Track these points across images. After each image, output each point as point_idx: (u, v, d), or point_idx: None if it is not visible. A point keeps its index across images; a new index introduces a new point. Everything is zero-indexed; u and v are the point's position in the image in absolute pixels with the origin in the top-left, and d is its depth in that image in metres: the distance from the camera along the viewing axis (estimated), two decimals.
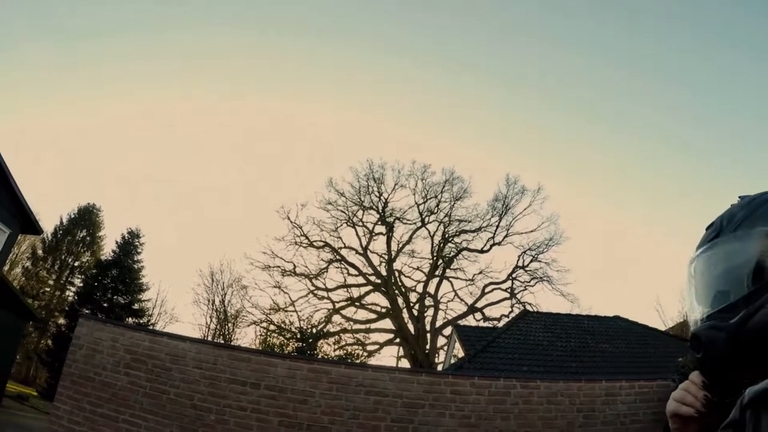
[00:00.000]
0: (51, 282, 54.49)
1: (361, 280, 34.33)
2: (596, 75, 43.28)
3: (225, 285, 39.79)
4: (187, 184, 55.70)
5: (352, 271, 34.34)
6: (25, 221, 23.31)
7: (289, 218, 33.76)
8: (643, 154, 46.64)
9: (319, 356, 24.30)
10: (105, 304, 37.91)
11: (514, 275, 34.34)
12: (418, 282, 34.98)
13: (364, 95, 46.77)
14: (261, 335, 31.54)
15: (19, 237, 25.67)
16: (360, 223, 35.54)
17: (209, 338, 35.38)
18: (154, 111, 56.91)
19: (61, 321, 43.01)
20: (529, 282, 34.06)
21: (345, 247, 34.94)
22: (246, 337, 40.50)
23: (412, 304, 33.79)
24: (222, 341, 34.43)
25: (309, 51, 45.01)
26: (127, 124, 58.29)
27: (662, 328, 26.29)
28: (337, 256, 34.41)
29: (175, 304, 73.96)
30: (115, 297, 39.25)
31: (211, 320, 39.14)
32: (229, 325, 37.69)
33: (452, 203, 35.88)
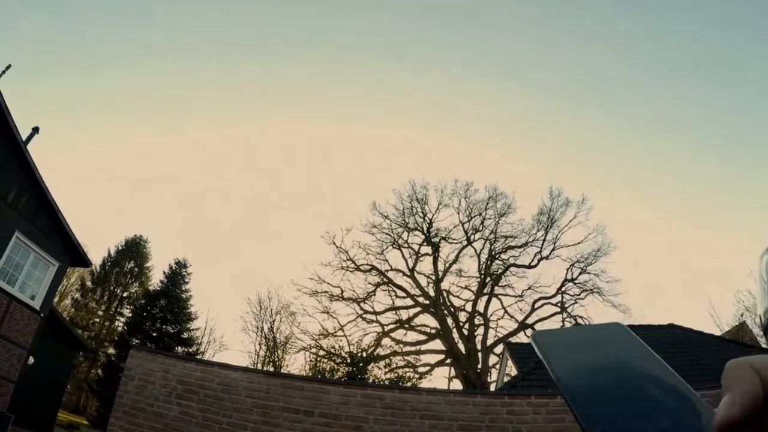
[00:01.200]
0: (100, 313, 55.28)
1: (409, 301, 34.10)
2: (642, 77, 42.63)
3: (273, 312, 39.89)
4: (234, 213, 56.15)
5: (400, 293, 34.15)
6: (73, 254, 23.61)
7: (334, 243, 33.76)
8: (696, 155, 45.72)
9: (371, 380, 24.06)
10: (154, 334, 38.22)
11: (563, 289, 33.83)
12: (467, 301, 34.66)
13: (403, 114, 46.68)
14: (311, 361, 31.46)
15: (68, 269, 26.00)
16: (405, 245, 35.36)
17: (258, 365, 35.37)
18: (192, 137, 57.65)
19: (111, 351, 43.52)
20: (579, 295, 33.54)
21: (392, 269, 34.77)
22: (296, 363, 40.46)
23: (461, 324, 33.41)
24: (272, 368, 34.36)
25: (341, 69, 45.11)
26: (172, 152, 59.10)
27: (718, 333, 25.56)
28: (384, 279, 34.23)
29: (224, 333, 74.48)
30: (164, 326, 39.57)
31: (260, 347, 39.20)
32: (279, 351, 37.68)
33: (497, 220, 35.53)
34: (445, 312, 33.43)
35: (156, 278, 51.29)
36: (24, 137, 20.43)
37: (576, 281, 34.08)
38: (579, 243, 34.83)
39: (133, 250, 59.26)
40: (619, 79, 41.96)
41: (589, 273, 33.91)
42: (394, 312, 33.88)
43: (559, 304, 33.60)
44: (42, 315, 22.15)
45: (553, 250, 35.13)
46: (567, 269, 34.65)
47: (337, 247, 33.64)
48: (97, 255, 56.34)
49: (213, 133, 55.00)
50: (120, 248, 59.15)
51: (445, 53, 44.27)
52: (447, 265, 35.21)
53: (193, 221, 61.84)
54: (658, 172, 45.08)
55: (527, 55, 42.76)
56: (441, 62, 44.94)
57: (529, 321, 33.35)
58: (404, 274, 34.63)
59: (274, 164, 50.07)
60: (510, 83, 43.42)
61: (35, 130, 20.98)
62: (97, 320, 54.79)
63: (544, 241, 35.29)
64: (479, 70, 44.20)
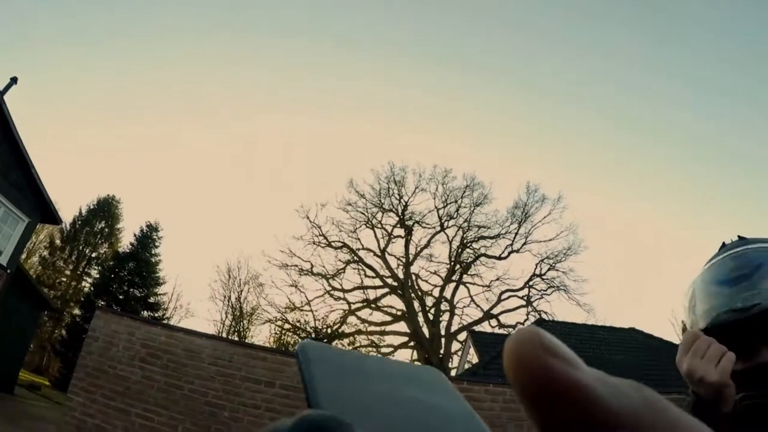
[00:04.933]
0: (68, 272, 54.79)
1: (377, 282, 34.22)
2: (630, 82, 42.95)
3: (242, 282, 39.90)
4: (209, 178, 55.82)
5: (369, 272, 34.24)
6: (44, 211, 23.36)
7: (308, 217, 33.68)
8: (673, 163, 46.24)
9: None
10: (121, 297, 38.09)
11: (531, 283, 34.11)
12: (435, 286, 34.87)
13: (388, 98, 46.65)
14: (276, 333, 31.57)
15: (37, 226, 25.76)
16: (379, 225, 35.41)
17: (224, 335, 35.39)
18: (176, 104, 57.24)
19: (77, 312, 43.21)
20: (546, 291, 33.82)
21: (363, 248, 34.83)
22: (260, 334, 40.60)
23: (427, 308, 33.66)
24: (236, 338, 34.43)
25: (333, 54, 44.99)
26: (150, 116, 58.65)
27: (677, 342, 25.95)
28: (355, 257, 34.29)
29: (191, 300, 74.14)
30: (131, 290, 39.44)
31: (227, 317, 39.25)
32: (245, 322, 37.79)
33: (472, 209, 35.69)
34: (413, 295, 33.63)
35: (126, 240, 50.90)
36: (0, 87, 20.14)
37: (544, 277, 34.41)
38: (551, 240, 35.13)
39: (105, 210, 58.63)
40: (620, 83, 42.23)
41: (557, 270, 34.23)
42: (362, 291, 33.98)
43: (525, 298, 33.93)
44: (8, 271, 21.93)
45: (524, 244, 35.42)
46: (536, 264, 34.96)
47: (310, 221, 33.57)
48: (68, 213, 55.76)
49: (197, 105, 54.65)
50: (92, 207, 58.47)
51: (445, 48, 44.30)
52: (418, 249, 35.37)
53: (168, 185, 61.45)
54: (640, 176, 45.55)
55: (517, 54, 42.91)
56: (437, 59, 44.96)
57: (495, 311, 33.66)
58: (375, 254, 34.73)
59: (254, 135, 49.77)
60: (500, 78, 43.53)
61: (13, 80, 20.55)
62: (64, 279, 54.30)
63: (516, 234, 35.56)
64: (470, 66, 44.28)
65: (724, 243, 1.58)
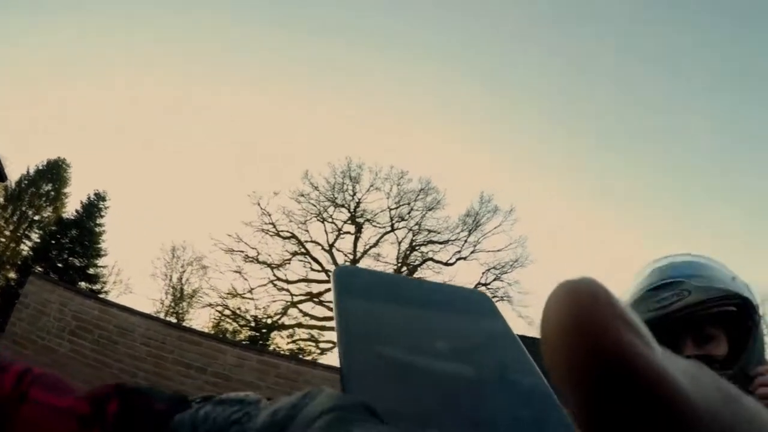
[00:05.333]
0: (7, 233, 53.30)
1: (323, 276, 34.00)
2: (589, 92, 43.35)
3: (185, 263, 39.25)
4: (164, 153, 54.82)
5: (315, 266, 33.99)
6: None
7: (259, 204, 33.21)
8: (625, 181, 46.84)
9: (272, 348, 23.94)
10: (60, 264, 37.22)
11: None
12: None
13: (354, 93, 46.37)
14: (215, 319, 31.13)
15: None
16: (330, 219, 35.18)
17: (162, 315, 34.78)
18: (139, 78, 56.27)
19: (12, 275, 42.08)
20: None
21: (311, 241, 34.57)
22: (199, 318, 40.00)
23: None
24: (174, 320, 33.93)
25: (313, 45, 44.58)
26: (111, 84, 57.47)
27: None
28: (302, 249, 34.04)
29: (132, 276, 72.79)
30: (71, 258, 38.55)
31: (166, 297, 38.59)
32: (184, 304, 37.19)
33: (424, 212, 35.67)
34: None
35: (72, 206, 49.61)
36: None
37: (489, 286, 34.50)
38: (499, 250, 35.23)
39: (53, 172, 57.12)
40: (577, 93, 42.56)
41: (502, 281, 34.34)
42: (306, 284, 33.72)
43: None
44: None
45: (472, 252, 35.49)
46: (483, 273, 35.02)
47: (261, 208, 33.11)
48: (15, 172, 54.35)
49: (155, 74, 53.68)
50: (40, 168, 57.06)
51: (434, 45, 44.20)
52: (367, 247, 35.26)
53: (121, 155, 60.16)
54: (597, 192, 46.00)
55: (493, 61, 43.00)
56: (411, 58, 44.85)
57: None
58: (323, 248, 34.50)
59: (216, 115, 49.01)
60: (470, 87, 43.56)
61: None
62: (3, 240, 52.94)
63: (465, 242, 35.61)
64: (441, 70, 44.26)
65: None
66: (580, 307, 0.17)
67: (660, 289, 1.56)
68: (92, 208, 41.10)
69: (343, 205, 35.17)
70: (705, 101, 35.44)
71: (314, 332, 32.44)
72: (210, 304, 31.92)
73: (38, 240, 46.40)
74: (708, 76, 35.20)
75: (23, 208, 54.69)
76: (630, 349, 0.16)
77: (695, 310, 1.48)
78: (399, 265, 34.82)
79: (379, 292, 0.38)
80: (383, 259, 35.00)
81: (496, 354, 0.38)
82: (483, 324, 0.41)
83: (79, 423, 0.36)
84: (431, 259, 35.18)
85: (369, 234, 36.43)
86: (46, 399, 0.39)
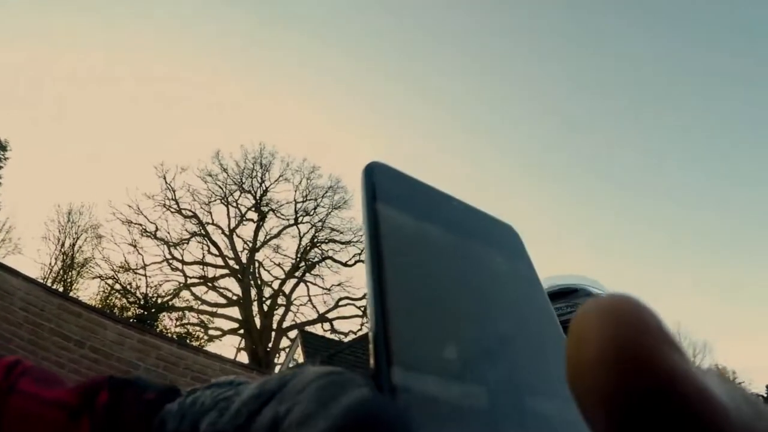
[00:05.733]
0: None
1: (219, 261, 33.53)
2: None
3: (80, 229, 37.96)
4: (74, 109, 52.82)
5: (213, 250, 33.49)
6: None
7: (165, 178, 32.48)
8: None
9: (159, 329, 23.46)
10: None
11: None
12: (276, 278, 34.48)
13: (278, 79, 45.95)
14: (104, 292, 30.29)
15: None
16: (234, 204, 34.71)
17: (49, 282, 33.57)
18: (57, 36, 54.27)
19: None
20: None
21: (212, 223, 34.03)
22: (88, 290, 38.62)
23: (264, 299, 33.30)
24: (62, 288, 32.82)
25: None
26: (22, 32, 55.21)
27: None
28: (202, 231, 33.47)
29: (23, 235, 69.89)
30: None
31: (56, 263, 37.26)
32: (74, 272, 35.98)
33: (330, 210, 35.62)
34: (252, 283, 33.22)
35: None
36: None
37: None
38: None
39: None
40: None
41: None
42: (202, 267, 33.21)
43: (362, 308, 34.23)
44: None
45: None
46: None
47: (166, 182, 32.34)
48: None
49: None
50: None
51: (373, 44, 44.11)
52: (267, 237, 34.97)
53: (26, 104, 57.78)
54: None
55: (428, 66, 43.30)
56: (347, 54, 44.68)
57: (330, 315, 33.68)
58: (224, 232, 34.04)
59: (138, 77, 47.61)
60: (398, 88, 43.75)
61: None
62: None
63: None
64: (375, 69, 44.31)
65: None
66: (628, 329, 0.16)
67: (555, 298, 1.50)
68: None
69: (249, 192, 34.77)
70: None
71: (205, 318, 31.98)
72: (100, 276, 30.98)
73: None
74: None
75: None
76: (680, 375, 0.16)
77: None
78: (297, 259, 34.70)
79: (413, 202, 0.35)
80: (282, 252, 34.79)
81: (523, 303, 0.37)
82: (514, 264, 0.38)
83: (68, 414, 0.37)
84: (331, 257, 35.19)
85: (272, 224, 36.14)
86: (35, 390, 0.39)
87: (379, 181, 0.34)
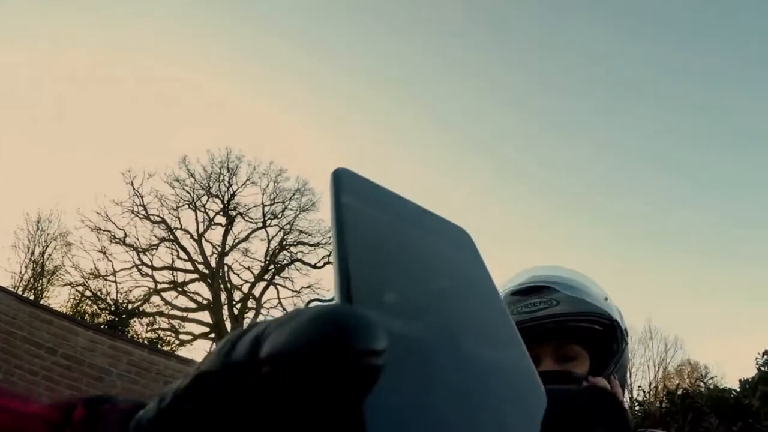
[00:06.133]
0: None
1: (189, 266, 33.50)
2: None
3: (49, 237, 37.64)
4: (44, 115, 52.34)
5: (182, 254, 33.43)
6: None
7: (132, 184, 32.36)
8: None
9: (130, 335, 23.48)
10: None
11: None
12: (246, 282, 34.48)
13: (243, 83, 45.92)
14: (74, 299, 30.14)
15: None
16: (202, 209, 34.62)
17: (20, 290, 33.30)
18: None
19: None
20: None
21: (181, 228, 33.94)
22: (59, 297, 38.29)
23: (234, 303, 33.32)
24: (32, 297, 32.58)
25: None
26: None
27: None
28: (171, 236, 33.38)
29: None
30: None
31: (26, 271, 36.94)
32: (44, 280, 35.72)
33: (298, 213, 35.65)
34: (222, 287, 33.25)
35: None
36: None
37: None
38: None
39: None
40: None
41: None
42: (171, 272, 33.15)
43: None
44: None
45: None
46: None
47: (133, 188, 32.20)
48: None
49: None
50: None
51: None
52: (236, 241, 34.96)
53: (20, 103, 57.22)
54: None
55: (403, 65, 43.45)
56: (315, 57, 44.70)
57: None
58: (192, 237, 33.97)
59: (100, 82, 47.23)
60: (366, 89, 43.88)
61: None
62: None
63: None
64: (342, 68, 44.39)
65: None
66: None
67: (529, 294, 1.49)
68: None
69: (217, 196, 34.70)
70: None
71: (175, 323, 31.95)
72: (71, 284, 30.80)
73: None
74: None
75: None
76: None
77: (562, 321, 1.42)
78: (267, 262, 34.75)
79: (376, 205, 0.39)
80: (252, 255, 34.80)
81: (472, 288, 0.41)
82: (466, 261, 0.44)
83: (48, 427, 0.39)
84: (300, 260, 35.25)
85: (240, 228, 36.08)
86: (13, 406, 0.41)
87: (346, 186, 0.37)
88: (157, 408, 0.35)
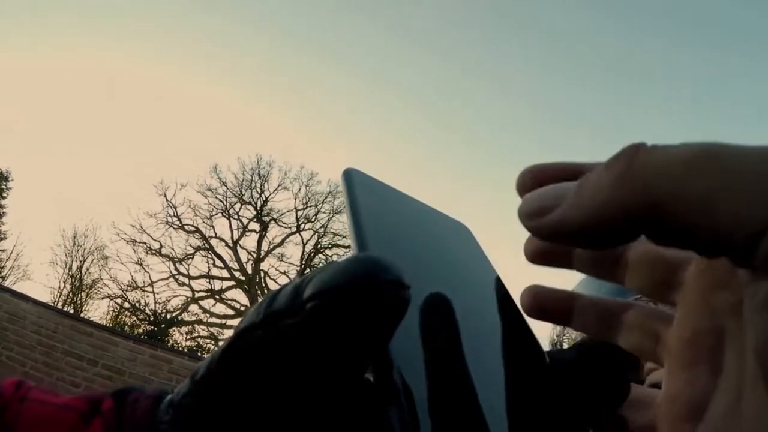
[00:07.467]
0: None
1: (225, 273, 33.71)
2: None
3: (86, 251, 38.15)
4: (74, 134, 53.12)
5: (218, 262, 33.64)
6: None
7: (165, 196, 32.66)
8: None
9: (170, 344, 23.70)
10: None
11: None
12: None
13: (272, 90, 46.12)
14: (114, 311, 30.50)
15: None
16: (236, 216, 34.80)
17: (60, 305, 33.75)
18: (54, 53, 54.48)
19: None
20: None
21: (215, 237, 34.16)
22: (98, 310, 38.66)
23: None
24: (72, 310, 33.05)
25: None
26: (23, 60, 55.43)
27: None
28: (206, 245, 33.61)
29: (31, 261, 69.91)
30: None
31: (65, 286, 37.43)
32: (83, 294, 36.19)
33: (331, 216, 35.71)
34: (259, 292, 33.39)
35: None
36: None
37: None
38: None
39: None
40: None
41: None
42: (208, 280, 33.34)
43: None
44: None
45: None
46: None
47: (167, 200, 32.47)
48: None
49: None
50: None
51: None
52: (271, 246, 35.10)
53: (29, 133, 58.07)
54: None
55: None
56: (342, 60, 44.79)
57: None
58: (227, 244, 34.17)
59: (128, 99, 47.79)
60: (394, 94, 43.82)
61: None
62: None
63: None
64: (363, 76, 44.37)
65: None
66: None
67: None
68: None
69: (249, 203, 34.85)
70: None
71: (214, 330, 32.16)
72: (109, 296, 31.17)
73: None
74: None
75: None
76: None
77: None
78: (303, 266, 34.84)
79: (385, 203, 0.42)
80: (287, 260, 34.93)
81: (483, 286, 0.43)
82: (472, 254, 0.47)
83: (80, 416, 0.41)
84: (335, 262, 35.33)
85: (274, 233, 36.23)
86: (47, 399, 0.44)
87: (358, 185, 0.41)
88: (191, 382, 0.35)
